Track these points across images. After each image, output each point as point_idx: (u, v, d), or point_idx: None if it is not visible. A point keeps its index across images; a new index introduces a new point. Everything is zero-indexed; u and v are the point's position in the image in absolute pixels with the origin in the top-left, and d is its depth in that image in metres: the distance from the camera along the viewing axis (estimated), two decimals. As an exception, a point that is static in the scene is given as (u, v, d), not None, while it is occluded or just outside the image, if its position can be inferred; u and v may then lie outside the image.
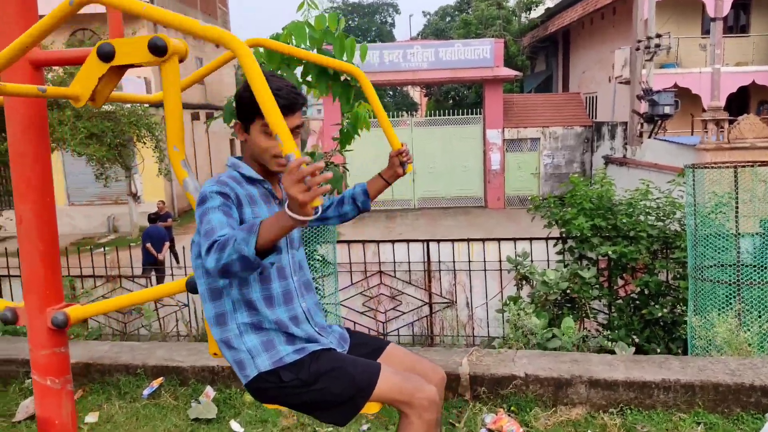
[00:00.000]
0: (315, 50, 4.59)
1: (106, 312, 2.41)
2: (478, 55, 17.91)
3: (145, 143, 12.09)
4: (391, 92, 32.92)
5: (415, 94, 34.21)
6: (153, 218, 10.37)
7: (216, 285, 1.85)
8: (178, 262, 9.15)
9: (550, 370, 3.19)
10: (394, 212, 18.58)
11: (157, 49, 2.00)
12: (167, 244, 9.98)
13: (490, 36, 22.35)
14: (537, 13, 26.83)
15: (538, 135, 18.88)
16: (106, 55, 2.02)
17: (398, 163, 2.21)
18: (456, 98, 25.61)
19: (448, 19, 35.09)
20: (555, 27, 23.89)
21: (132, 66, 2.07)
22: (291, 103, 1.81)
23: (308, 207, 1.40)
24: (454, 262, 6.50)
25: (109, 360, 3.66)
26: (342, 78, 4.74)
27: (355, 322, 6.64)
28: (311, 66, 4.64)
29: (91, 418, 3.33)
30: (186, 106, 10.43)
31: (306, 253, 5.01)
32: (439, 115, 18.88)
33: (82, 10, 1.83)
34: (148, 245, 9.66)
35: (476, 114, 18.95)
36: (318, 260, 5.30)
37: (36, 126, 2.23)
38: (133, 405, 3.42)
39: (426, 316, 6.62)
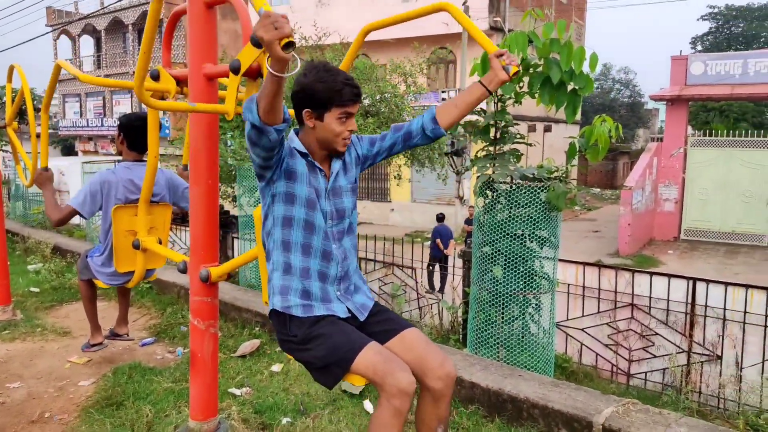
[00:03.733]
0: (541, 60, 4.49)
1: (233, 269, 2.97)
2: None
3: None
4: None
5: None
6: (441, 218, 11.34)
7: (270, 229, 2.11)
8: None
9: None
10: (737, 247, 15.79)
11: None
12: (453, 241, 10.73)
13: None
14: None
15: None
16: (234, 68, 2.54)
17: (500, 66, 2.06)
18: None
19: None
20: None
21: (261, 74, 2.54)
22: (359, 89, 2.03)
23: (275, 45, 1.51)
24: (725, 309, 5.42)
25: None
26: (569, 87, 4.53)
27: (597, 354, 6.13)
28: (535, 76, 4.56)
29: (276, 368, 4.03)
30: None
31: (528, 270, 4.92)
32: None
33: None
34: (438, 241, 10.58)
35: None
36: (543, 277, 5.12)
37: (207, 131, 2.89)
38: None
39: (682, 366, 5.67)
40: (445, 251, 10.50)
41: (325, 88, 1.96)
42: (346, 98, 1.97)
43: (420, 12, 2.52)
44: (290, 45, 1.55)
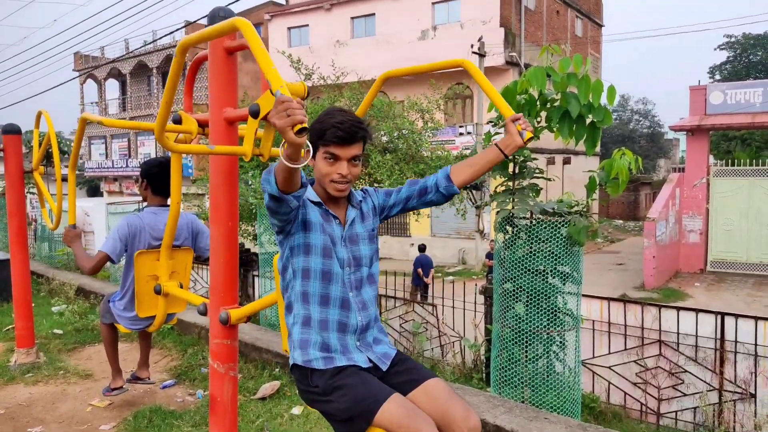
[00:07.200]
0: (559, 94, 4.49)
1: (253, 312, 2.95)
2: None
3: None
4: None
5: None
6: (422, 248, 11.74)
7: (289, 281, 2.10)
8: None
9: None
10: (766, 278, 15.42)
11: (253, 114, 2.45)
12: (433, 270, 11.17)
13: None
14: None
15: None
16: (254, 113, 2.58)
17: (516, 131, 2.11)
18: None
19: None
20: None
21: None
22: (350, 134, 1.98)
23: (289, 131, 1.52)
24: (756, 345, 5.26)
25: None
26: (588, 121, 4.52)
27: (625, 393, 5.96)
28: (553, 111, 4.56)
29: (296, 410, 3.98)
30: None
31: (552, 307, 4.84)
32: None
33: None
34: (419, 270, 11.03)
35: None
36: (567, 314, 5.03)
37: (225, 171, 2.93)
38: (328, 409, 3.94)
39: (713, 404, 5.48)
40: (425, 279, 11.19)
41: (317, 128, 2.00)
42: (328, 138, 1.97)
43: (440, 65, 2.64)
44: (303, 130, 1.57)
